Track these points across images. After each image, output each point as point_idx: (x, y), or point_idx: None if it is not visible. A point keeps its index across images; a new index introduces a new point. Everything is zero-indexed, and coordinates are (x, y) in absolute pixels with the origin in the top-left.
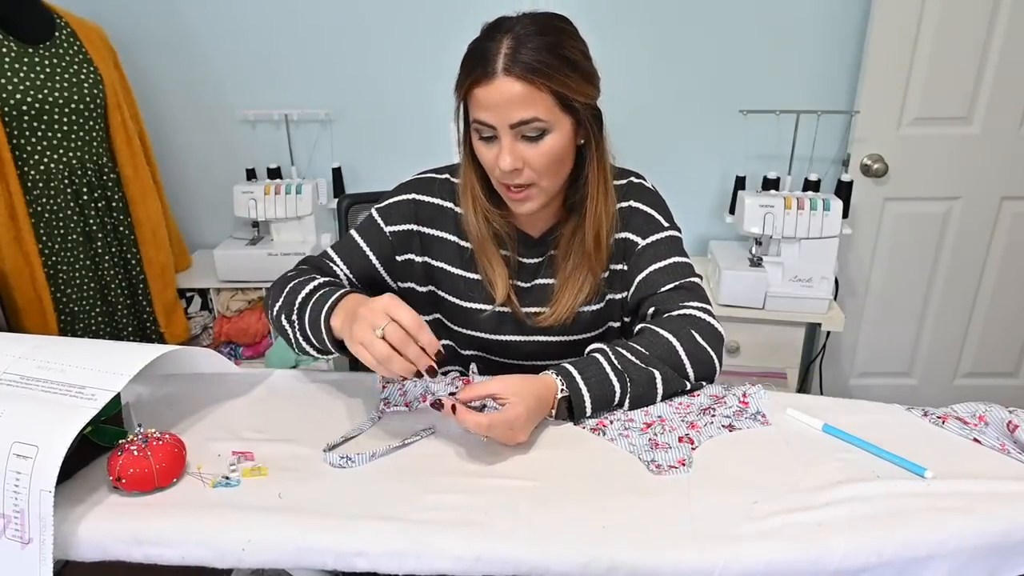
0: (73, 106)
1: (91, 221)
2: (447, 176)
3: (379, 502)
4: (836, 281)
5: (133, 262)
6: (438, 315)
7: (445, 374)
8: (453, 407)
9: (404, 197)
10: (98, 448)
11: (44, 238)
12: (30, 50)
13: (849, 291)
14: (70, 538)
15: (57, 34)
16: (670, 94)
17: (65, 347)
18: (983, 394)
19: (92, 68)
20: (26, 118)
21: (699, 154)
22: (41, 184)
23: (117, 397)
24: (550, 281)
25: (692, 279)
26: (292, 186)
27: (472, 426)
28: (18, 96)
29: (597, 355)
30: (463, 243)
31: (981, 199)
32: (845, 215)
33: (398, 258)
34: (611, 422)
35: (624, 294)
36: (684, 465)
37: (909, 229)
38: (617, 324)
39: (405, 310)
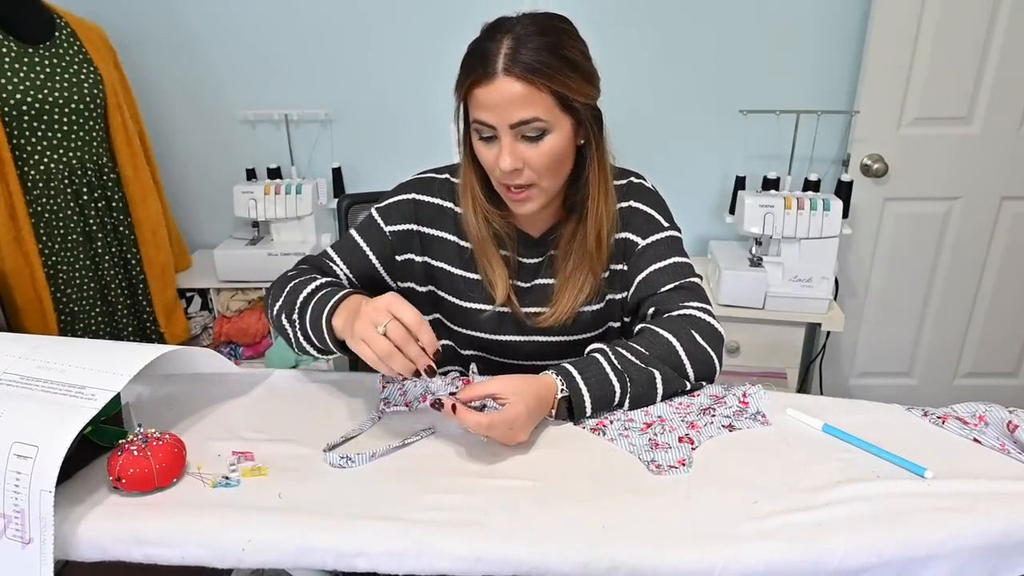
0: (73, 106)
1: (91, 221)
2: (447, 176)
3: (379, 502)
4: (836, 281)
5: (133, 262)
6: (438, 315)
7: (445, 374)
8: (453, 407)
9: (404, 197)
10: (98, 448)
11: (44, 238)
12: (30, 50)
13: (849, 291)
14: (70, 538)
15: (57, 34)
16: (670, 94)
17: (65, 347)
18: (983, 394)
19: (92, 68)
20: (26, 118)
21: (699, 154)
22: (41, 184)
23: (117, 397)
24: (550, 281)
25: (692, 279)
26: (292, 186)
27: (472, 425)
28: (18, 96)
29: (597, 355)
30: (463, 243)
31: (981, 199)
32: (845, 215)
33: (398, 258)
34: (611, 422)
35: (624, 294)
36: (684, 465)
37: (909, 229)
38: (617, 324)
39: (407, 308)
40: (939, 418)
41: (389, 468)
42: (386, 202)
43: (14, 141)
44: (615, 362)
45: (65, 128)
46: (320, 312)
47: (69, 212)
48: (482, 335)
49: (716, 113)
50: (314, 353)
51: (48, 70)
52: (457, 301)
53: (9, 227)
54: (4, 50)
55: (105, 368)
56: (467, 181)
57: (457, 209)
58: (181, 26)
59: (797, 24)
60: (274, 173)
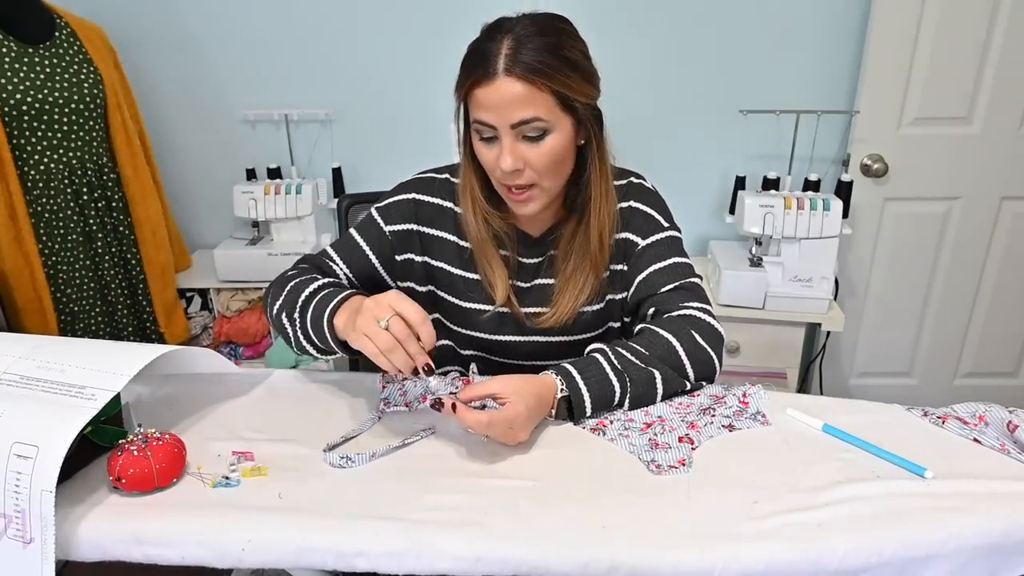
0: (73, 106)
1: (91, 221)
2: (447, 176)
3: (379, 502)
4: (836, 281)
5: (133, 262)
6: (438, 315)
7: (445, 374)
8: (453, 405)
9: (404, 196)
10: (98, 448)
11: (44, 238)
12: (30, 50)
13: (849, 291)
14: (70, 538)
15: (57, 34)
16: (670, 94)
17: (65, 347)
18: (983, 394)
19: (92, 68)
20: (26, 118)
21: (699, 154)
22: (41, 184)
23: (117, 397)
24: (550, 281)
25: (692, 279)
26: (292, 186)
27: (472, 424)
28: (18, 96)
29: (597, 355)
30: (463, 243)
31: (981, 199)
32: (845, 215)
33: (398, 257)
34: (611, 422)
35: (624, 294)
36: (684, 465)
37: (909, 229)
38: (617, 324)
39: (410, 304)
40: (939, 418)
41: (389, 468)
42: (386, 202)
43: (14, 141)
44: (615, 362)
45: (65, 128)
46: (322, 311)
47: (69, 212)
48: (482, 335)
49: (716, 113)
50: (314, 353)
51: (48, 70)
52: (457, 301)
53: (9, 227)
54: (4, 50)
55: (105, 368)
56: (467, 182)
57: (457, 209)
58: (181, 26)
59: (797, 24)
60: (274, 173)
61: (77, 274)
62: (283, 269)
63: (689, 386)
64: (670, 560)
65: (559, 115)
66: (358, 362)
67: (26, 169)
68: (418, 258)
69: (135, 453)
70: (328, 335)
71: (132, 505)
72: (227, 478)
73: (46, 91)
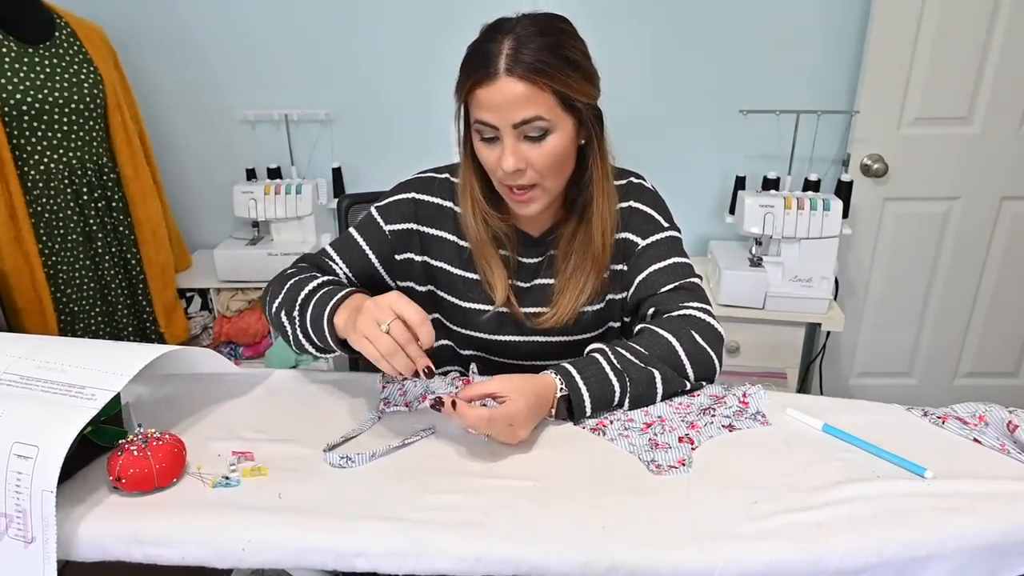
0: (73, 106)
1: (91, 221)
2: (447, 176)
3: (379, 502)
4: (836, 281)
5: (133, 262)
6: (437, 315)
7: (445, 374)
8: (453, 403)
9: (404, 196)
10: (98, 448)
11: (44, 238)
12: (30, 50)
13: (849, 291)
14: (70, 538)
15: (57, 34)
16: (670, 94)
17: (65, 347)
18: (983, 394)
19: (92, 68)
20: (26, 118)
21: (699, 154)
22: (41, 184)
23: (117, 397)
24: (550, 281)
25: (692, 279)
26: (292, 186)
27: (473, 421)
28: (18, 96)
29: (596, 355)
30: (463, 243)
31: (981, 199)
32: (845, 215)
33: (397, 257)
34: (611, 422)
35: (624, 294)
36: (684, 465)
37: (909, 229)
38: (617, 324)
39: (410, 306)
40: (939, 418)
41: (389, 468)
42: (386, 201)
43: (14, 141)
44: (615, 362)
45: (65, 128)
46: (322, 310)
47: (69, 212)
48: (482, 335)
49: (716, 113)
50: (312, 351)
51: (48, 70)
52: (457, 301)
53: (9, 227)
54: (4, 50)
55: (105, 368)
56: (466, 183)
57: (457, 209)
58: (181, 26)
59: (797, 24)
60: (274, 173)
61: (77, 274)
62: (282, 269)
63: (689, 386)
64: (670, 560)
65: (560, 115)
66: (358, 362)
67: (26, 169)
68: (418, 258)
69: (135, 453)
70: (328, 334)
71: (132, 505)
72: (227, 478)
73: (46, 91)
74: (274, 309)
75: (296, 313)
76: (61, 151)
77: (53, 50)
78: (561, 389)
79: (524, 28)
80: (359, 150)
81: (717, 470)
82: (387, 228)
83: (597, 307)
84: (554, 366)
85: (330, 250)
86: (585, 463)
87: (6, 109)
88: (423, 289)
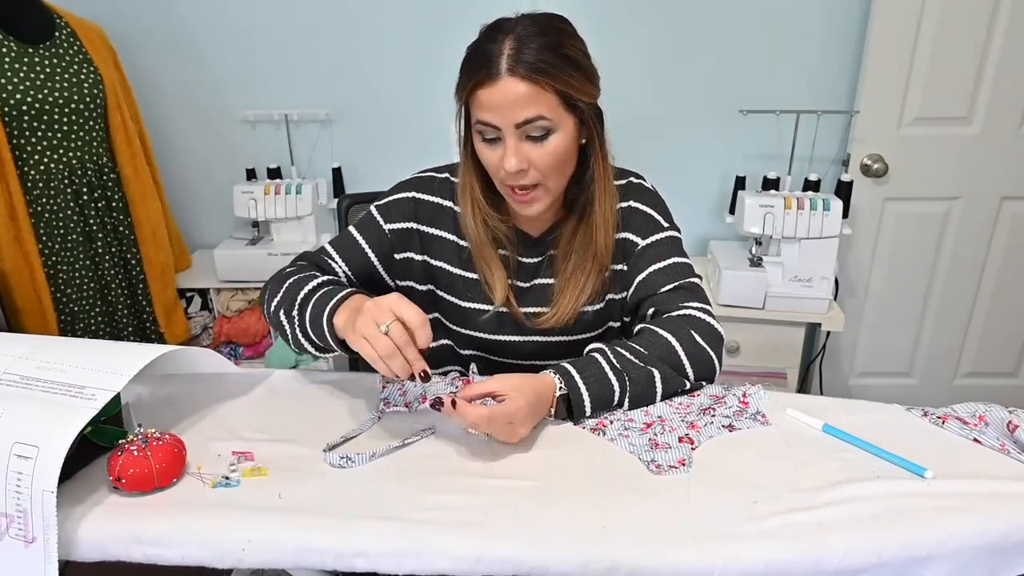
0: (73, 106)
1: (91, 221)
2: (447, 175)
3: (379, 502)
4: (836, 281)
5: (133, 262)
6: (437, 314)
7: (445, 374)
8: (453, 402)
9: (404, 195)
10: (98, 448)
11: (44, 238)
12: (30, 50)
13: (849, 291)
14: (70, 538)
15: (57, 34)
16: (670, 94)
17: (65, 347)
18: (983, 394)
19: (92, 68)
20: (26, 118)
21: (699, 154)
22: (41, 184)
23: (117, 397)
24: (550, 281)
25: (692, 279)
26: (292, 186)
27: (473, 419)
28: (18, 96)
29: (596, 355)
30: (462, 243)
31: (981, 199)
32: (845, 215)
33: (397, 256)
34: (611, 422)
35: (624, 294)
36: (684, 465)
37: (909, 229)
38: (617, 324)
39: (410, 308)
40: (939, 418)
41: (389, 468)
42: (386, 200)
43: (14, 141)
44: (614, 361)
45: (65, 128)
46: (321, 309)
47: (69, 212)
48: (481, 335)
49: (716, 113)
50: (311, 350)
51: (48, 70)
52: (456, 301)
53: (9, 227)
54: (4, 50)
55: (105, 368)
56: (466, 184)
57: (457, 208)
58: (181, 26)
59: (797, 24)
60: (274, 173)
61: (77, 274)
62: (281, 267)
63: (689, 386)
64: (670, 560)
65: (562, 114)
66: (358, 362)
67: (26, 169)
68: (418, 257)
69: (135, 453)
70: (327, 334)
71: (132, 505)
72: (227, 478)
73: (46, 91)
74: (273, 308)
75: (295, 312)
76: (61, 151)
77: (53, 50)
78: (560, 388)
79: (524, 28)
80: (359, 150)
81: (717, 470)
82: (387, 227)
83: (597, 307)
84: (553, 366)
85: (329, 249)
86: (585, 463)
87: (6, 109)
88: (423, 288)
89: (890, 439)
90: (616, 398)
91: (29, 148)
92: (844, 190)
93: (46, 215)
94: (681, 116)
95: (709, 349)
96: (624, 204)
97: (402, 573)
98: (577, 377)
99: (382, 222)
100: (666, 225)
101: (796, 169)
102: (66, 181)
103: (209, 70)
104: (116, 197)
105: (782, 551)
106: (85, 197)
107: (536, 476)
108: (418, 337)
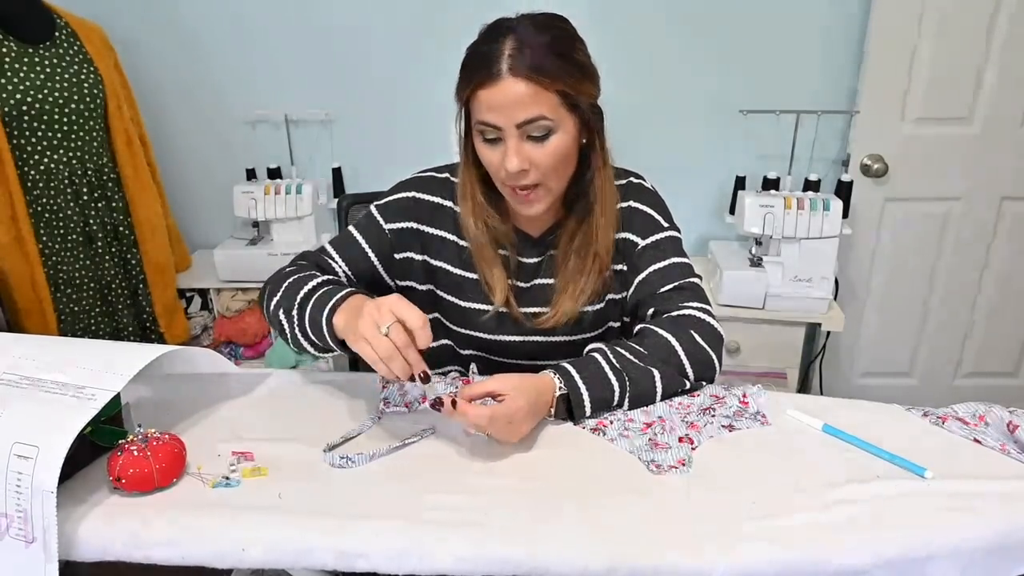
0: (73, 106)
1: (91, 221)
2: (447, 175)
3: (379, 502)
4: (836, 281)
5: (133, 262)
6: (437, 314)
7: (445, 374)
8: (453, 402)
9: (404, 195)
10: (98, 448)
11: (44, 238)
12: (30, 50)
13: (849, 291)
14: (70, 538)
15: (57, 34)
16: (670, 94)
17: (65, 347)
18: (983, 394)
19: (92, 68)
20: (26, 118)
21: (699, 154)
22: (41, 184)
23: (117, 397)
24: (550, 281)
25: (691, 279)
26: (292, 186)
27: (473, 418)
28: (18, 96)
29: (596, 355)
30: (462, 243)
31: (981, 199)
32: (845, 215)
33: (397, 256)
34: (611, 422)
35: (624, 294)
36: (684, 465)
37: (909, 229)
38: (617, 324)
39: (411, 310)
40: (939, 418)
41: (389, 468)
42: (386, 200)
43: (14, 141)
44: (614, 361)
45: (65, 128)
46: (321, 309)
47: (69, 212)
48: (482, 335)
49: (716, 113)
50: (310, 350)
51: (48, 70)
52: (457, 301)
53: (9, 227)
54: (4, 50)
55: (105, 368)
56: (467, 185)
57: (457, 208)
58: (181, 27)
59: (797, 24)
60: (274, 173)
61: (77, 274)
62: (280, 266)
63: (689, 386)
64: (670, 560)
65: (563, 114)
66: (358, 362)
67: (26, 169)
68: (418, 257)
69: (135, 453)
70: (327, 334)
71: (132, 505)
72: (227, 478)
73: (46, 91)
74: (272, 307)
75: (295, 312)
76: (61, 151)
77: (53, 50)
78: (560, 388)
79: (525, 28)
80: (359, 150)
81: (717, 470)
82: (387, 227)
83: (597, 307)
84: (553, 366)
85: (329, 248)
86: (585, 463)
87: (6, 109)
88: (423, 288)
89: (890, 439)
90: (616, 398)
91: (29, 148)
92: (844, 190)
93: (46, 215)
94: (681, 116)
95: (709, 349)
96: (624, 204)
97: (402, 573)
98: (577, 377)
99: (382, 222)
100: (666, 225)
101: (796, 169)
102: (66, 181)
103: (209, 70)
104: (116, 197)
105: (782, 551)
106: (85, 197)
107: (536, 476)
108: (418, 338)
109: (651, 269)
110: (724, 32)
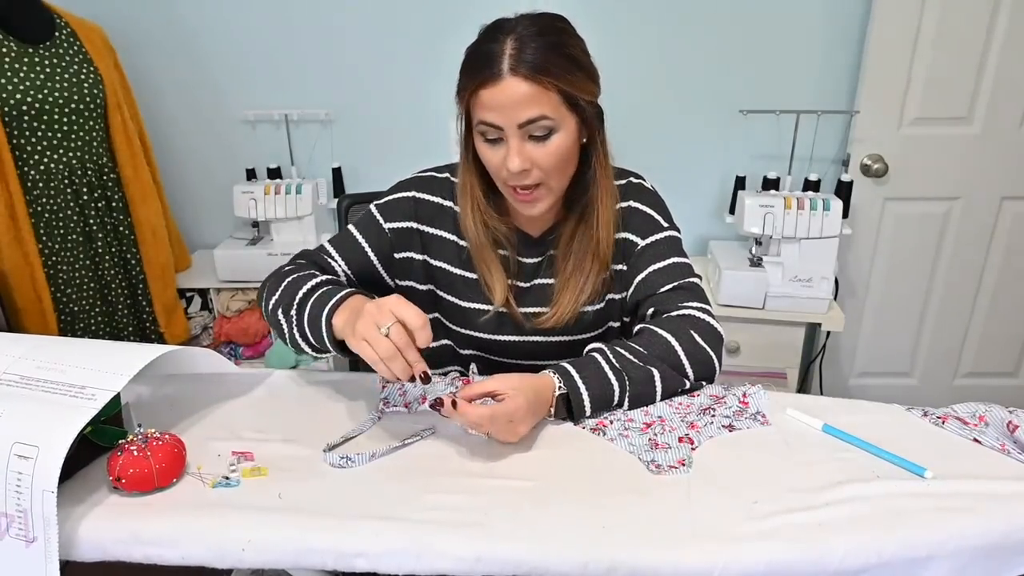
0: (73, 106)
1: (91, 221)
2: (447, 175)
3: (379, 502)
4: (836, 281)
5: (133, 262)
6: (437, 314)
7: (445, 374)
8: (453, 402)
9: (404, 194)
10: (98, 448)
11: (44, 238)
12: (30, 50)
13: (849, 291)
14: (71, 538)
15: (57, 34)
16: (670, 94)
17: (65, 347)
18: (983, 394)
19: (92, 68)
20: (26, 118)
21: (699, 154)
22: (41, 184)
23: (117, 397)
24: (550, 281)
25: (691, 279)
26: (292, 186)
27: (473, 418)
28: (18, 96)
29: (595, 354)
30: (462, 243)
31: (981, 199)
32: (845, 215)
33: (396, 256)
34: (611, 422)
35: (624, 294)
36: (684, 465)
37: (909, 229)
38: (617, 324)
39: (411, 310)
40: (939, 418)
41: (389, 468)
42: (386, 199)
43: (14, 141)
44: (614, 361)
45: (65, 128)
46: (320, 309)
47: (69, 212)
48: (481, 335)
49: (716, 113)
50: (308, 350)
51: (48, 70)
52: (456, 301)
53: (9, 227)
54: (4, 50)
55: (105, 368)
56: (467, 185)
57: (457, 209)
58: (181, 26)
59: (797, 24)
60: (274, 173)
61: (77, 274)
62: (280, 265)
63: (688, 386)
64: (670, 560)
65: (564, 113)
66: (358, 362)
67: (26, 169)
68: (418, 256)
69: (135, 453)
70: (325, 335)
71: (132, 505)
72: (227, 478)
73: (46, 91)
74: (271, 306)
75: (294, 312)
76: (61, 151)
77: (53, 50)
78: (560, 388)
79: (525, 28)
80: (359, 150)
81: (717, 470)
82: (387, 226)
83: (597, 307)
84: (553, 366)
85: (329, 247)
86: (585, 463)
87: (6, 109)
88: (423, 288)
89: (890, 439)
90: (616, 398)
91: (29, 148)
92: (844, 190)
93: (46, 215)
94: (681, 116)
95: (709, 349)
96: (624, 204)
97: (402, 573)
98: (576, 377)
99: (382, 221)
100: (666, 225)
101: (796, 169)
102: (66, 181)
103: (209, 70)
104: (116, 197)
105: (782, 551)
106: (85, 197)
107: (536, 476)
108: (418, 338)
109: (651, 269)
110: (724, 32)
